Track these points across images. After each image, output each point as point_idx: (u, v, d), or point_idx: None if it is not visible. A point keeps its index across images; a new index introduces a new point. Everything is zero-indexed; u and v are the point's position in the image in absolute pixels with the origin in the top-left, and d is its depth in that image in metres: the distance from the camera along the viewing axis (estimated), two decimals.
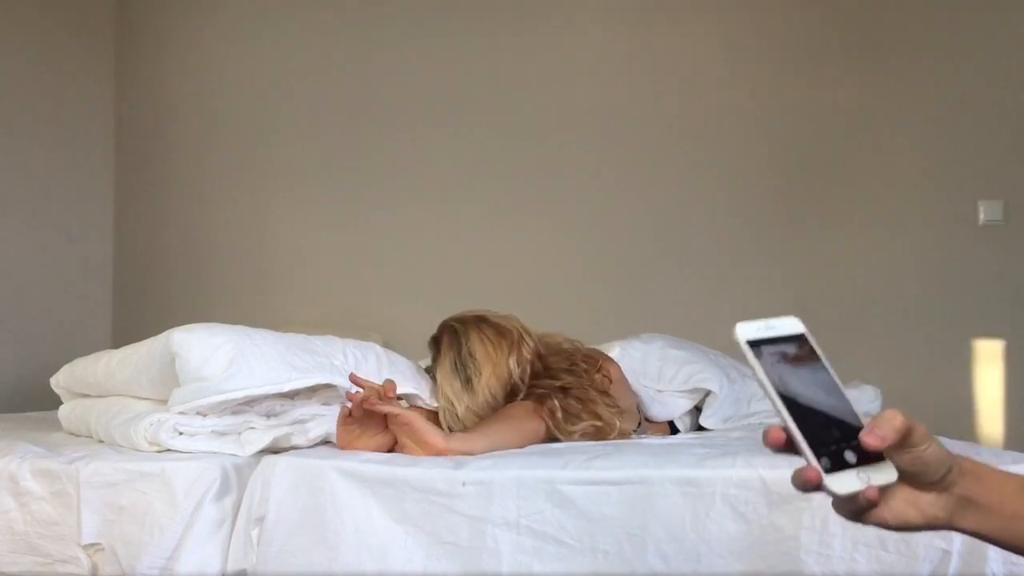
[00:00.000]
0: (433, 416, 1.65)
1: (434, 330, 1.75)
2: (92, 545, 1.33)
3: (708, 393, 1.96)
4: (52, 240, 3.40)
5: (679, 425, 1.94)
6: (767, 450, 1.21)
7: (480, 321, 1.68)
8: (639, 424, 1.79)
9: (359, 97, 3.37)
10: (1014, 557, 1.12)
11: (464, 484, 1.23)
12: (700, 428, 1.97)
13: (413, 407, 1.67)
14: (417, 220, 3.29)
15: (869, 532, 1.16)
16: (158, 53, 3.60)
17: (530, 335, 1.68)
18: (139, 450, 1.43)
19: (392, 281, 3.29)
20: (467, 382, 1.60)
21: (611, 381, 1.66)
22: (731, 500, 1.19)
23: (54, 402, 1.83)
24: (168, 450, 1.41)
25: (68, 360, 1.78)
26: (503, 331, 1.66)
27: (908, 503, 0.70)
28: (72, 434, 1.72)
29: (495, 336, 1.64)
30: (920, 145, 3.02)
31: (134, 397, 1.59)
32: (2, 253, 3.23)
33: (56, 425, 1.79)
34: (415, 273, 3.27)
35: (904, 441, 0.68)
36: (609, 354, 1.85)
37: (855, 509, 0.68)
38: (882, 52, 3.05)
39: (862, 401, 2.28)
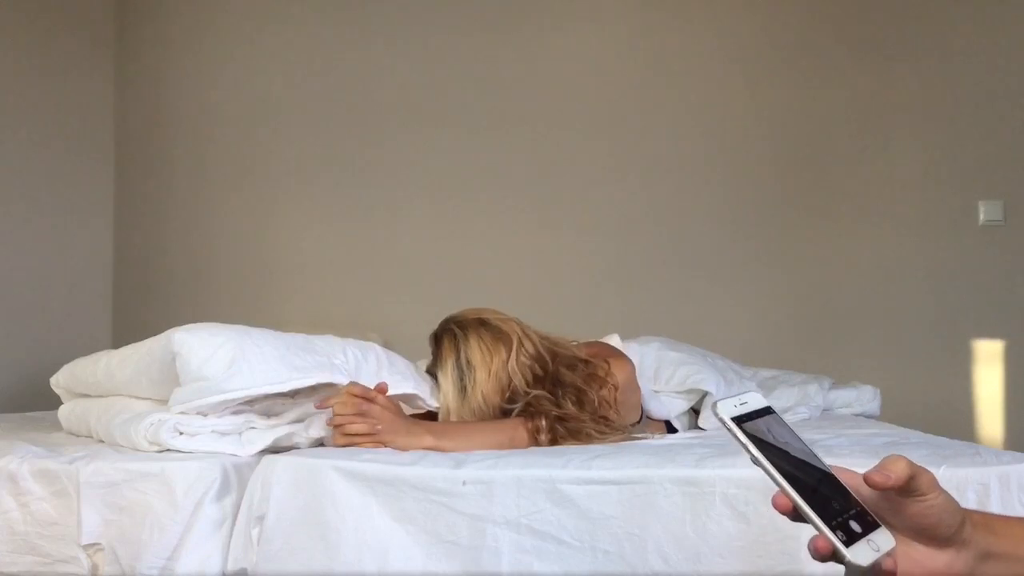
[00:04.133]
0: (432, 417, 1.66)
1: (434, 328, 1.75)
2: (92, 545, 1.33)
3: (705, 395, 1.96)
4: (52, 240, 3.40)
5: (677, 425, 1.94)
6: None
7: (480, 324, 1.67)
8: (640, 419, 1.78)
9: (359, 97, 3.37)
10: None
11: (464, 483, 1.23)
12: (698, 430, 1.98)
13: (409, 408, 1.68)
14: (417, 220, 3.29)
15: None
16: (158, 53, 3.60)
17: (530, 339, 1.67)
18: (139, 450, 1.43)
19: (392, 281, 3.29)
20: (462, 389, 1.61)
21: (617, 388, 1.65)
22: (731, 500, 1.19)
23: (54, 402, 1.83)
24: (168, 450, 1.41)
25: (68, 360, 1.78)
26: (501, 335, 1.65)
27: (919, 565, 0.67)
28: (72, 434, 1.72)
29: (492, 341, 1.63)
30: (920, 145, 3.03)
31: (134, 397, 1.59)
32: (2, 253, 3.23)
33: (56, 425, 1.79)
34: (415, 273, 3.27)
35: (910, 487, 0.66)
36: (609, 343, 1.83)
37: None
38: (882, 52, 3.05)
39: (862, 401, 2.28)
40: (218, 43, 3.54)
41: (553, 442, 1.51)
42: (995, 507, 1.15)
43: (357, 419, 1.41)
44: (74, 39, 3.50)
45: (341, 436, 1.42)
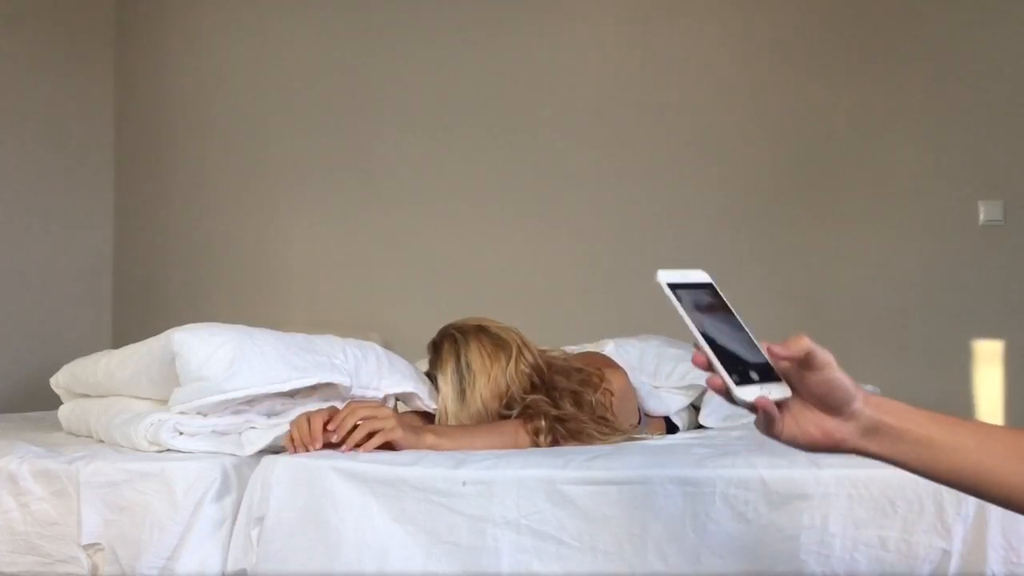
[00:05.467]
0: (429, 418, 1.66)
1: (433, 331, 1.75)
2: (92, 545, 1.33)
3: (705, 391, 1.97)
4: (52, 240, 3.40)
5: (677, 422, 1.95)
6: (767, 450, 1.22)
7: (480, 331, 1.67)
8: (639, 420, 1.79)
9: (359, 97, 3.37)
10: (1013, 556, 1.12)
11: (464, 483, 1.23)
12: (699, 427, 1.98)
13: (410, 409, 1.68)
14: (417, 220, 3.29)
15: (869, 532, 1.16)
16: (158, 53, 3.60)
17: (529, 349, 1.68)
18: (139, 450, 1.43)
19: (392, 281, 3.29)
20: (461, 392, 1.61)
21: (613, 394, 1.65)
22: (731, 500, 1.19)
23: (54, 402, 1.83)
24: (168, 450, 1.41)
25: (68, 360, 1.78)
26: (501, 343, 1.65)
27: (815, 425, 0.81)
28: (72, 434, 1.72)
29: (493, 348, 1.64)
30: (920, 145, 3.02)
31: (134, 397, 1.58)
32: (2, 253, 3.23)
33: (56, 425, 1.79)
34: (415, 273, 3.27)
35: (808, 362, 0.79)
36: (603, 350, 1.84)
37: (766, 422, 0.81)
38: (882, 52, 3.05)
39: None
40: (218, 43, 3.54)
41: (555, 443, 1.51)
42: (994, 506, 1.15)
43: (364, 425, 1.38)
44: (74, 39, 3.50)
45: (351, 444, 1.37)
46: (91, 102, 3.55)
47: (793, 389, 0.81)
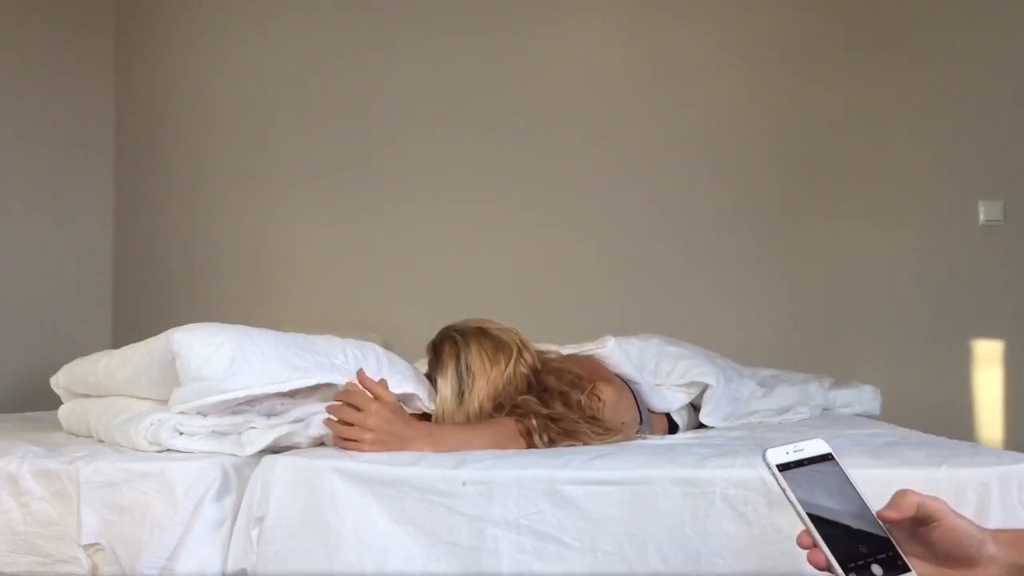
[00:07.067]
0: (428, 419, 1.66)
1: (433, 331, 1.75)
2: (92, 545, 1.33)
3: (705, 389, 1.97)
4: (52, 240, 3.40)
5: (677, 420, 1.95)
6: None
7: (480, 333, 1.68)
8: (641, 422, 1.79)
9: (359, 97, 3.37)
10: None
11: (464, 484, 1.23)
12: (699, 425, 1.98)
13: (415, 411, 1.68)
14: (417, 220, 3.29)
15: None
16: (158, 53, 3.60)
17: (528, 350, 1.68)
18: (139, 450, 1.43)
19: (392, 281, 3.29)
20: (460, 394, 1.61)
21: (602, 402, 1.65)
22: (731, 500, 1.19)
23: (54, 402, 1.83)
24: (168, 450, 1.41)
25: (68, 360, 1.78)
26: (501, 345, 1.65)
27: None
28: (72, 434, 1.72)
29: (493, 350, 1.64)
30: (920, 145, 3.03)
31: (134, 397, 1.58)
32: (2, 253, 3.23)
33: (56, 425, 1.79)
34: (415, 273, 3.27)
35: (923, 516, 0.73)
36: (604, 346, 1.83)
37: None
38: (882, 52, 3.06)
39: (862, 401, 2.28)
40: (217, 43, 3.54)
41: (551, 443, 1.51)
42: (995, 507, 1.15)
43: (348, 426, 1.38)
44: (74, 39, 3.50)
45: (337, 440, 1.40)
46: (91, 102, 3.55)
47: (916, 550, 0.75)
